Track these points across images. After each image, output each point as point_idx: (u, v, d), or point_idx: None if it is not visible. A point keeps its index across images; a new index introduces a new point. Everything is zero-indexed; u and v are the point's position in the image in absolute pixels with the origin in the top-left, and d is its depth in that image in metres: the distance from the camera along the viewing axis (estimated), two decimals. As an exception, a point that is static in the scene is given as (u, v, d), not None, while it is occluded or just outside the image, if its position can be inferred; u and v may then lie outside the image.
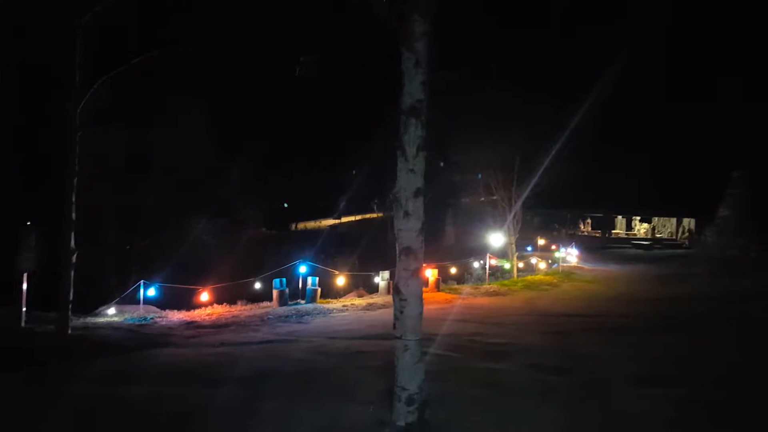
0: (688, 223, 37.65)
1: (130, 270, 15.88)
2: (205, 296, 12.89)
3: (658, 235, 39.16)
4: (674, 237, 38.22)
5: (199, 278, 14.60)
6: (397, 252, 5.99)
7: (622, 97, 24.70)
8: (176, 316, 12.00)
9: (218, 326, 10.82)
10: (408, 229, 5.81)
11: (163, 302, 12.89)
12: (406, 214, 5.82)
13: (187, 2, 11.94)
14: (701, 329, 10.46)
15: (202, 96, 18.39)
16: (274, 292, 13.16)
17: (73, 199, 9.89)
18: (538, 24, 17.60)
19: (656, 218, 40.06)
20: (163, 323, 11.25)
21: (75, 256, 9.80)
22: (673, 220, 39.18)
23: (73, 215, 9.86)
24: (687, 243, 35.04)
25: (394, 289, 5.92)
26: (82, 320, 11.01)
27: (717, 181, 28.52)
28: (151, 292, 12.57)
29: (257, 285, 13.78)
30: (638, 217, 41.01)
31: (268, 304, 13.30)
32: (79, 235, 10.05)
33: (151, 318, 11.69)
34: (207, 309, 12.53)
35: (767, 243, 24.86)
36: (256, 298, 13.81)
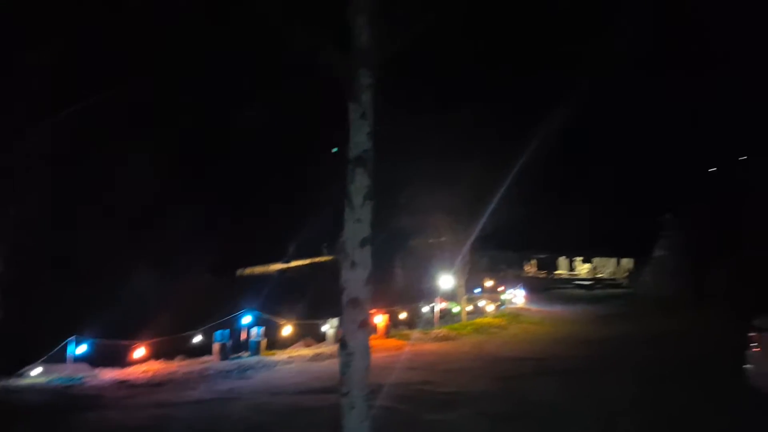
0: (627, 263, 39.15)
1: (60, 325, 14.82)
2: (141, 352, 12.12)
3: (599, 275, 40.46)
4: (614, 277, 39.58)
5: (137, 332, 13.76)
6: (343, 303, 5.81)
7: (563, 144, 25.78)
8: (109, 374, 11.19)
9: (154, 384, 10.15)
10: (355, 279, 5.67)
11: (95, 360, 12.00)
12: (353, 264, 5.69)
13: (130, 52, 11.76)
14: (647, 371, 10.65)
15: (146, 142, 17.89)
16: (215, 346, 12.54)
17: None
18: (480, 75, 18.28)
19: (597, 258, 41.48)
20: (94, 383, 10.46)
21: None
22: (613, 261, 40.68)
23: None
24: (626, 282, 36.32)
25: (339, 342, 5.71)
26: (2, 383, 10.10)
27: (652, 223, 29.93)
28: (82, 348, 11.71)
29: (197, 338, 13.08)
30: (580, 258, 42.37)
31: (209, 358, 12.64)
32: (2, 287, 9.33)
33: (81, 378, 10.84)
34: (143, 366, 11.77)
35: (701, 282, 26.10)
36: (196, 352, 13.07)
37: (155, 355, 12.38)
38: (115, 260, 18.22)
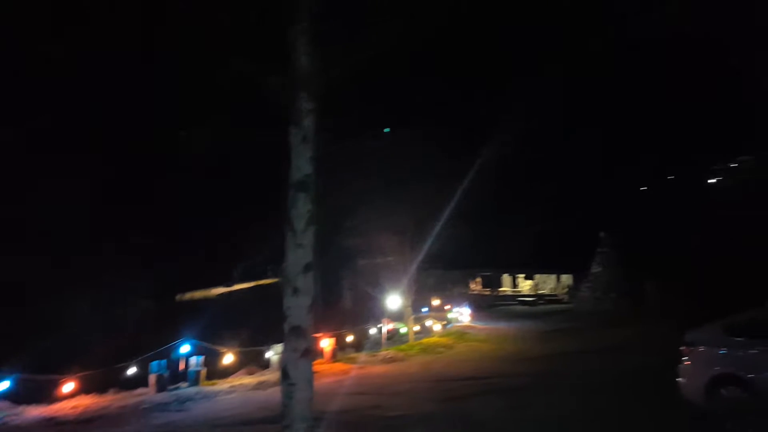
0: (566, 279, 40.41)
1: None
2: (70, 386, 11.37)
3: (540, 292, 41.52)
4: (555, 293, 40.72)
5: (66, 365, 12.94)
6: (285, 331, 5.64)
7: (504, 166, 26.58)
8: (34, 412, 10.43)
9: (83, 421, 9.53)
10: (297, 307, 5.52)
11: (19, 396, 11.16)
12: (295, 290, 5.55)
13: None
14: (587, 385, 10.91)
15: (82, 165, 17.13)
16: (151, 377, 11.95)
17: None
18: (425, 100, 18.62)
19: (538, 275, 42.62)
20: (18, 422, 9.72)
21: None
22: (553, 277, 41.89)
23: None
24: (566, 298, 37.44)
25: (281, 372, 5.53)
26: None
27: (589, 241, 31.11)
28: (4, 385, 10.87)
29: (132, 370, 12.40)
30: (522, 275, 43.39)
31: (145, 390, 12.02)
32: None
33: (2, 417, 10.05)
34: (72, 401, 11.03)
35: (636, 297, 27.25)
36: (131, 384, 12.41)
37: (86, 389, 11.66)
38: (42, 289, 17.21)
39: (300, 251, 5.61)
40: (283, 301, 5.68)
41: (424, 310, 26.86)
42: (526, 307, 35.04)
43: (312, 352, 5.52)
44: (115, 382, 12.37)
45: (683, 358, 7.83)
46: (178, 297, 38.27)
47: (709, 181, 43.35)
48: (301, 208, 5.62)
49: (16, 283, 16.00)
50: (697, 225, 28.97)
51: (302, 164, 5.65)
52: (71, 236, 19.16)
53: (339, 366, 15.09)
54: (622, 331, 20.74)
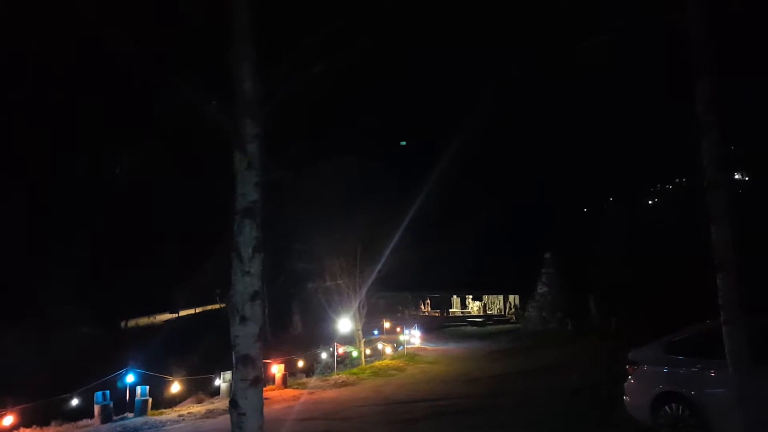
0: (514, 299, 41.35)
1: None
2: (8, 420, 10.77)
3: (489, 312, 42.28)
4: (503, 313, 41.56)
5: (8, 396, 12.32)
6: (234, 361, 5.64)
7: (450, 190, 27.27)
8: (-38, 451, 9.85)
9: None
10: (245, 335, 5.53)
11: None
12: (243, 319, 5.56)
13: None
14: (534, 405, 11.25)
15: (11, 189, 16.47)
16: (96, 408, 11.52)
17: None
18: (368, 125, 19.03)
19: (486, 296, 43.43)
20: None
21: None
22: (501, 297, 42.78)
23: None
24: (514, 318, 38.30)
25: (230, 402, 5.52)
26: None
27: (534, 261, 32.05)
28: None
29: (75, 401, 11.90)
30: (471, 296, 44.10)
31: (89, 421, 11.55)
32: None
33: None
34: (7, 437, 10.48)
35: (580, 316, 28.20)
36: (75, 415, 11.90)
37: (26, 422, 11.09)
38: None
39: (247, 279, 5.64)
40: (231, 330, 5.68)
41: (375, 333, 26.90)
42: (475, 328, 35.59)
43: (262, 381, 5.53)
44: (57, 413, 11.85)
45: (628, 377, 8.15)
46: (122, 323, 36.92)
47: (648, 202, 45.66)
48: (248, 235, 5.66)
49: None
50: (637, 245, 30.41)
51: (248, 191, 5.69)
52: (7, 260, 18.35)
53: (290, 392, 14.92)
54: (567, 349, 21.42)
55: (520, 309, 37.67)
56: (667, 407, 7.39)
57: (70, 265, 22.58)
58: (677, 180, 43.33)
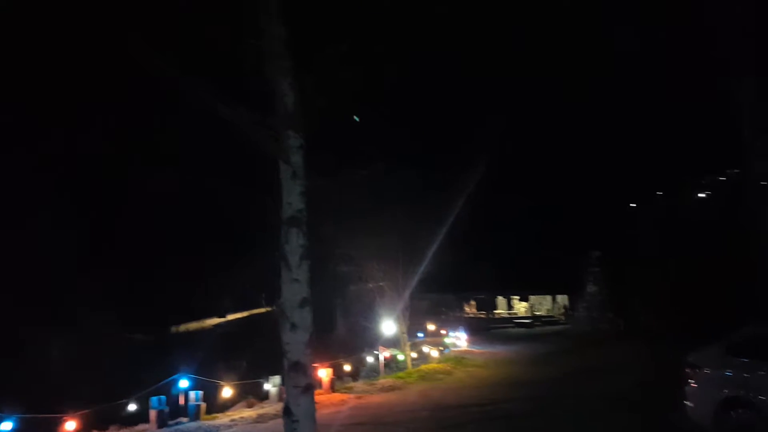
0: (562, 299, 40.44)
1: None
2: (71, 425, 11.21)
3: (536, 313, 41.48)
4: (551, 314, 40.70)
5: (68, 402, 12.84)
6: (285, 368, 5.69)
7: (493, 185, 26.91)
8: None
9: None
10: (296, 342, 5.58)
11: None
12: (293, 326, 5.62)
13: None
14: (589, 409, 10.93)
15: (55, 203, 17.24)
16: (152, 413, 11.85)
17: None
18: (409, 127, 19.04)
19: (533, 296, 42.62)
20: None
21: None
22: (549, 298, 41.90)
23: None
24: (563, 319, 37.45)
25: (284, 409, 5.56)
26: None
27: (583, 260, 31.26)
28: (7, 426, 10.71)
29: (132, 406, 12.30)
30: (517, 297, 43.36)
31: (146, 426, 11.91)
32: None
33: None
34: (72, 441, 10.88)
35: (631, 316, 27.31)
36: (132, 420, 12.32)
37: (87, 427, 11.54)
38: (33, 329, 17.10)
39: (296, 286, 5.70)
40: (281, 337, 5.74)
41: (420, 335, 26.76)
42: (522, 330, 34.98)
43: (313, 388, 5.57)
44: (114, 418, 12.27)
45: (689, 381, 7.77)
46: (173, 328, 37.95)
47: (698, 195, 43.81)
48: (294, 243, 5.72)
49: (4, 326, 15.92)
50: (685, 241, 29.24)
51: (293, 200, 5.77)
52: (57, 272, 19.10)
53: (337, 396, 14.99)
54: (618, 350, 20.79)
55: (569, 309, 36.82)
56: (732, 413, 7.05)
57: (123, 272, 23.36)
58: (728, 171, 41.40)
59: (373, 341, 22.43)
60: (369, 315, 23.41)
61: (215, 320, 42.62)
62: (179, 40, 6.03)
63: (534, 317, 39.72)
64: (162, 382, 12.77)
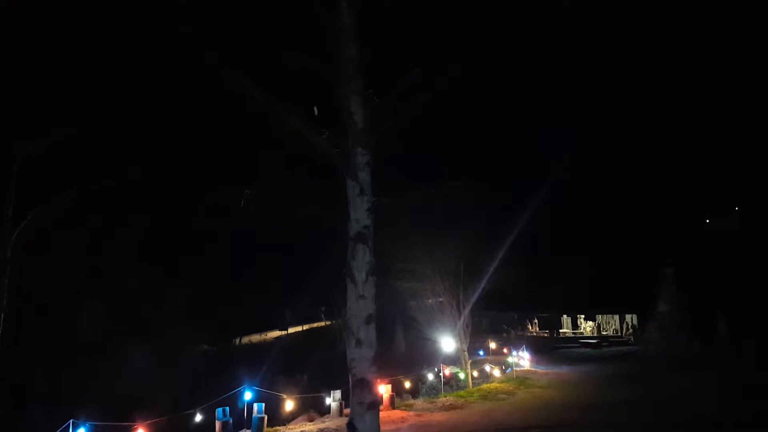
0: (631, 319, 38.57)
1: (59, 405, 14.41)
2: (142, 435, 11.62)
3: (603, 333, 39.72)
4: (619, 334, 38.87)
5: (137, 411, 13.36)
6: (350, 384, 5.67)
7: (558, 204, 26.26)
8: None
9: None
10: (361, 359, 5.56)
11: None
12: (359, 342, 5.60)
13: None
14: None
15: (139, 221, 18.14)
16: (217, 424, 12.11)
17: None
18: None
19: (600, 316, 40.88)
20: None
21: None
22: (617, 317, 40.05)
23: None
24: (632, 339, 35.66)
25: (348, 425, 5.53)
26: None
27: (654, 277, 29.73)
28: (81, 432, 11.24)
29: (198, 417, 12.64)
30: (582, 316, 41.73)
31: (211, 437, 12.20)
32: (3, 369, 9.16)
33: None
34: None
35: (709, 338, 25.68)
36: (199, 430, 12.66)
37: (157, 436, 11.92)
38: (109, 341, 17.98)
39: (362, 302, 5.69)
40: (346, 352, 5.72)
41: (481, 353, 26.19)
42: (589, 350, 33.51)
43: (378, 405, 5.51)
44: (184, 427, 12.63)
45: None
46: (237, 341, 39.00)
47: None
48: (361, 259, 5.74)
49: (83, 338, 16.78)
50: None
51: (360, 216, 5.80)
52: (129, 289, 20.00)
53: (397, 413, 14.83)
54: (693, 375, 19.52)
55: (639, 329, 35.05)
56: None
57: (191, 285, 24.27)
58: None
59: (433, 358, 22.13)
60: (428, 331, 23.16)
61: (277, 333, 43.51)
62: (260, 64, 6.27)
63: (601, 337, 38.02)
64: (227, 394, 13.06)
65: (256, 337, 41.54)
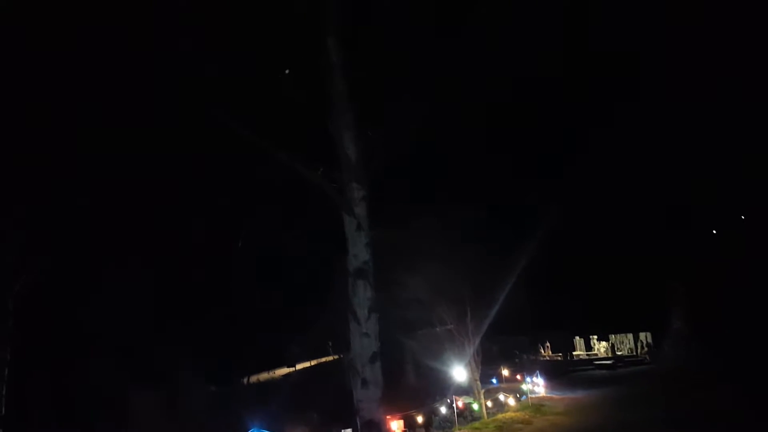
0: (645, 337, 37.90)
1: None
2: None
3: (618, 353, 38.99)
4: (634, 353, 38.15)
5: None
6: (359, 427, 5.45)
7: (562, 227, 26.07)
8: None
9: None
10: (368, 400, 5.35)
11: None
12: (365, 382, 5.40)
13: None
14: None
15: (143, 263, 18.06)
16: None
17: (4, 392, 9.04)
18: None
19: (614, 335, 40.19)
20: None
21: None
22: (631, 336, 39.36)
23: (3, 409, 8.94)
24: (647, 358, 34.97)
25: (357, 472, 5.27)
26: None
27: (666, 293, 29.31)
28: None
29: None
30: (596, 336, 41.05)
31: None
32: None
33: None
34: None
35: (724, 353, 25.10)
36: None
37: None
38: (111, 387, 17.70)
39: (365, 340, 5.50)
40: (353, 393, 5.51)
41: (494, 381, 25.60)
42: (604, 371, 32.80)
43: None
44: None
45: None
46: (245, 380, 38.35)
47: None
48: (362, 295, 5.57)
49: (93, 389, 16.53)
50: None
51: (359, 251, 5.66)
52: (134, 331, 19.79)
53: (411, 449, 14.39)
54: (709, 394, 18.97)
55: (654, 347, 34.39)
56: None
57: (195, 326, 23.99)
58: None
59: (444, 389, 21.62)
60: (439, 361, 22.72)
61: (285, 370, 42.85)
62: (251, 103, 6.25)
63: (616, 357, 37.28)
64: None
65: (264, 375, 40.88)
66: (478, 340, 20.72)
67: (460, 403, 19.44)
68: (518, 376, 26.36)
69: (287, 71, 5.91)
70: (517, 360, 35.79)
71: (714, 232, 42.17)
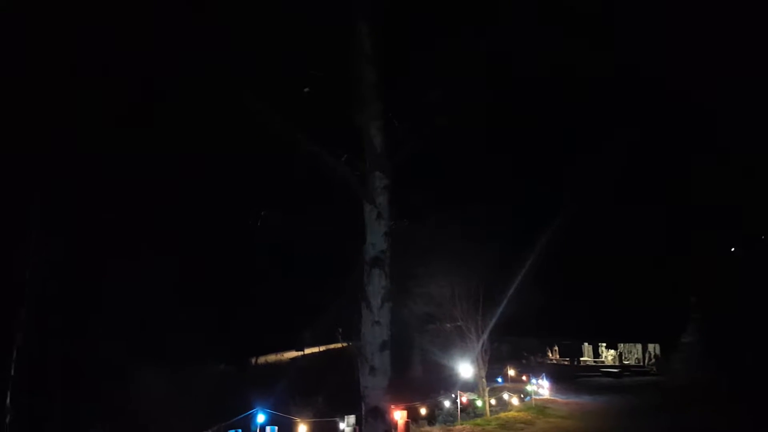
0: (654, 348, 37.63)
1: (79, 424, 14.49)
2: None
3: (625, 362, 38.78)
4: (641, 363, 37.91)
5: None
6: (363, 412, 5.56)
7: (577, 231, 25.90)
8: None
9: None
10: (374, 387, 5.46)
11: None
12: (372, 369, 5.51)
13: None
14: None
15: (160, 242, 18.37)
16: (229, 447, 12.03)
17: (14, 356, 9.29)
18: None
19: (622, 344, 39.97)
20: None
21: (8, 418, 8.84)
22: (639, 346, 39.11)
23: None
24: (654, 369, 34.72)
25: (360, 456, 5.40)
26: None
27: (677, 307, 29.00)
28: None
29: (211, 439, 12.55)
30: (604, 344, 40.85)
31: (223, 459, 12.09)
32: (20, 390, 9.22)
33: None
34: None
35: (736, 371, 24.78)
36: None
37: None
38: (123, 363, 18.05)
39: (377, 329, 5.61)
40: (360, 380, 5.63)
41: (499, 380, 25.66)
42: (610, 379, 32.68)
43: (390, 434, 5.38)
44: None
45: None
46: (253, 361, 38.81)
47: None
48: (377, 285, 5.66)
49: (98, 359, 16.89)
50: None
51: (377, 240, 5.74)
52: (147, 309, 20.12)
53: (412, 440, 14.55)
54: (720, 410, 18.82)
55: (662, 360, 34.10)
56: None
57: (212, 303, 24.33)
58: None
59: (450, 384, 21.73)
60: (445, 356, 22.82)
61: (293, 353, 43.23)
62: (278, 90, 6.33)
63: (623, 366, 37.10)
64: (239, 417, 12.94)
65: (272, 357, 41.30)
66: (486, 339, 20.77)
67: (464, 399, 19.55)
68: (524, 377, 26.41)
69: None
70: (524, 361, 35.80)
71: (732, 250, 41.56)
